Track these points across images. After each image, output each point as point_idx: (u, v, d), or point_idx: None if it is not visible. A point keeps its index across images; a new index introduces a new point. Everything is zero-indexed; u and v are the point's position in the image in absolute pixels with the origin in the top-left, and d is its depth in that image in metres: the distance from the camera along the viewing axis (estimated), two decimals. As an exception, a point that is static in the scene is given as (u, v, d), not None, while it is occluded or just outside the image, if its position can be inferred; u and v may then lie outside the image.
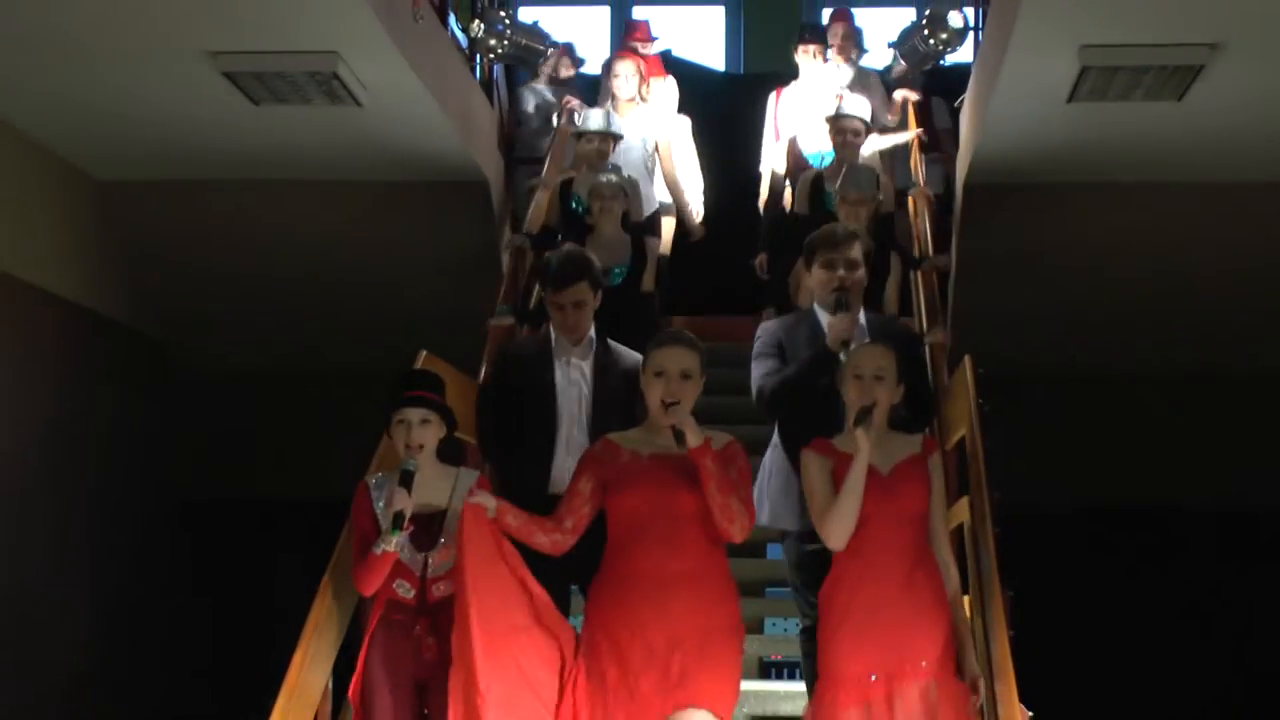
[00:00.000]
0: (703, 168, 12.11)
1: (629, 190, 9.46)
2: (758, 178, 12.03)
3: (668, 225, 11.13)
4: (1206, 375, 12.24)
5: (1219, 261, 11.24)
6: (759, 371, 7.23)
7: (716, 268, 11.86)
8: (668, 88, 12.19)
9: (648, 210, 10.44)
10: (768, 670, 9.15)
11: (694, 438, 5.89)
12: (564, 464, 6.86)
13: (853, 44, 12.40)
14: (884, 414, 6.32)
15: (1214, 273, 11.34)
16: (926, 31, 12.15)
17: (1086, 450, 12.14)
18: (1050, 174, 10.69)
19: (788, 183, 11.34)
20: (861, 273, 7.24)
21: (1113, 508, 12.37)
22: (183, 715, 11.71)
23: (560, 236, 9.88)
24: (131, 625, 11.60)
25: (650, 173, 10.96)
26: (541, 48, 12.57)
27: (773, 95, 12.29)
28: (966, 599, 7.95)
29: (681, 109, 12.07)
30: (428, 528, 6.29)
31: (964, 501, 8.12)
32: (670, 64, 13.03)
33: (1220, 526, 12.62)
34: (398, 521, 6.04)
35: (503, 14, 12.32)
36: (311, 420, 11.71)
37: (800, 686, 8.14)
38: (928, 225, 10.84)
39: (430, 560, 6.28)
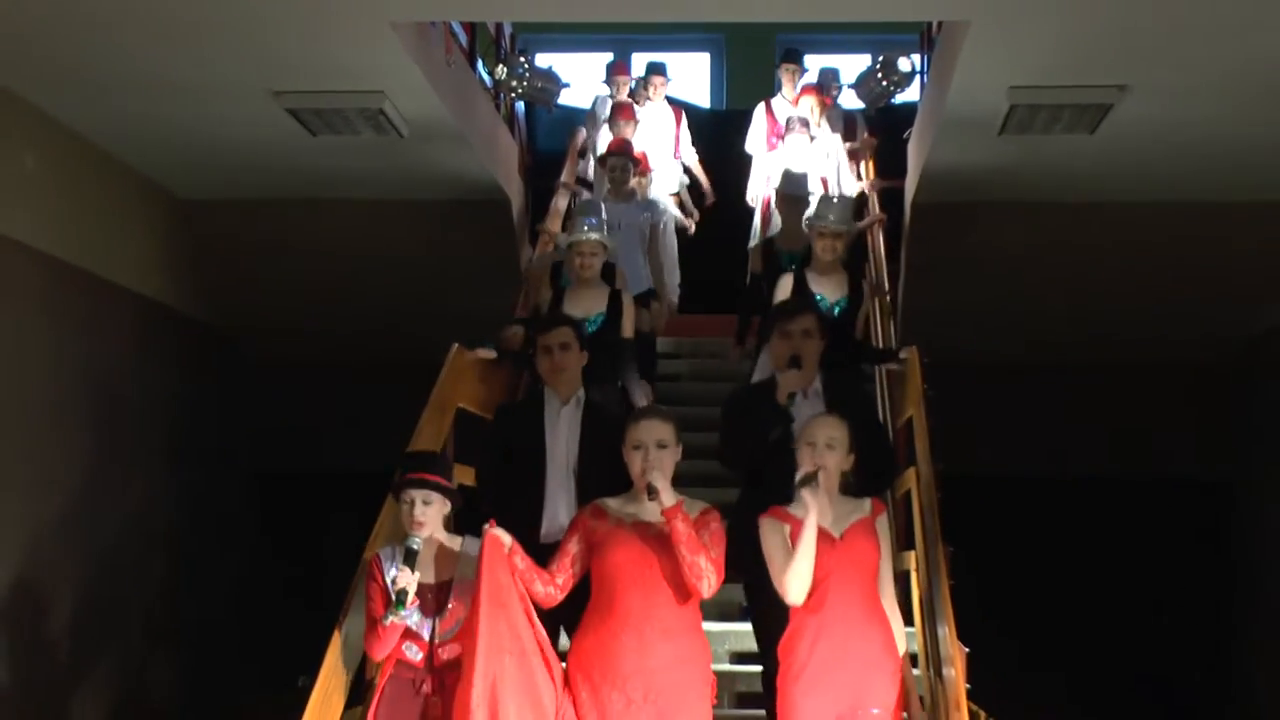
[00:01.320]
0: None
1: (607, 244, 8.68)
2: (743, 190, 12.11)
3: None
4: (1109, 365, 12.23)
5: (1123, 268, 11.24)
6: (728, 433, 6.96)
7: (710, 271, 11.77)
8: (672, 169, 12.20)
9: (641, 287, 9.77)
10: (746, 613, 9.10)
11: (667, 498, 5.71)
12: (555, 513, 6.67)
13: (827, 111, 12.33)
14: (834, 480, 6.05)
15: (1118, 277, 11.34)
16: (880, 74, 12.12)
17: (1012, 427, 12.14)
18: (984, 194, 10.67)
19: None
20: (814, 341, 6.94)
21: (1036, 476, 12.38)
22: (251, 656, 11.73)
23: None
24: (207, 579, 11.59)
25: (644, 254, 10.21)
26: (555, 88, 12.56)
27: (760, 107, 12.42)
28: (915, 577, 8.03)
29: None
30: (436, 596, 5.97)
31: (911, 471, 8.16)
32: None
33: (1107, 490, 12.62)
34: (401, 598, 5.77)
35: (521, 59, 12.30)
36: (358, 403, 11.67)
37: None
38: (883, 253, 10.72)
39: (437, 625, 5.95)
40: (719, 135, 13.30)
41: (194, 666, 11.29)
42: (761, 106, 12.45)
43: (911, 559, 7.83)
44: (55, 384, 9.46)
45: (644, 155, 11.34)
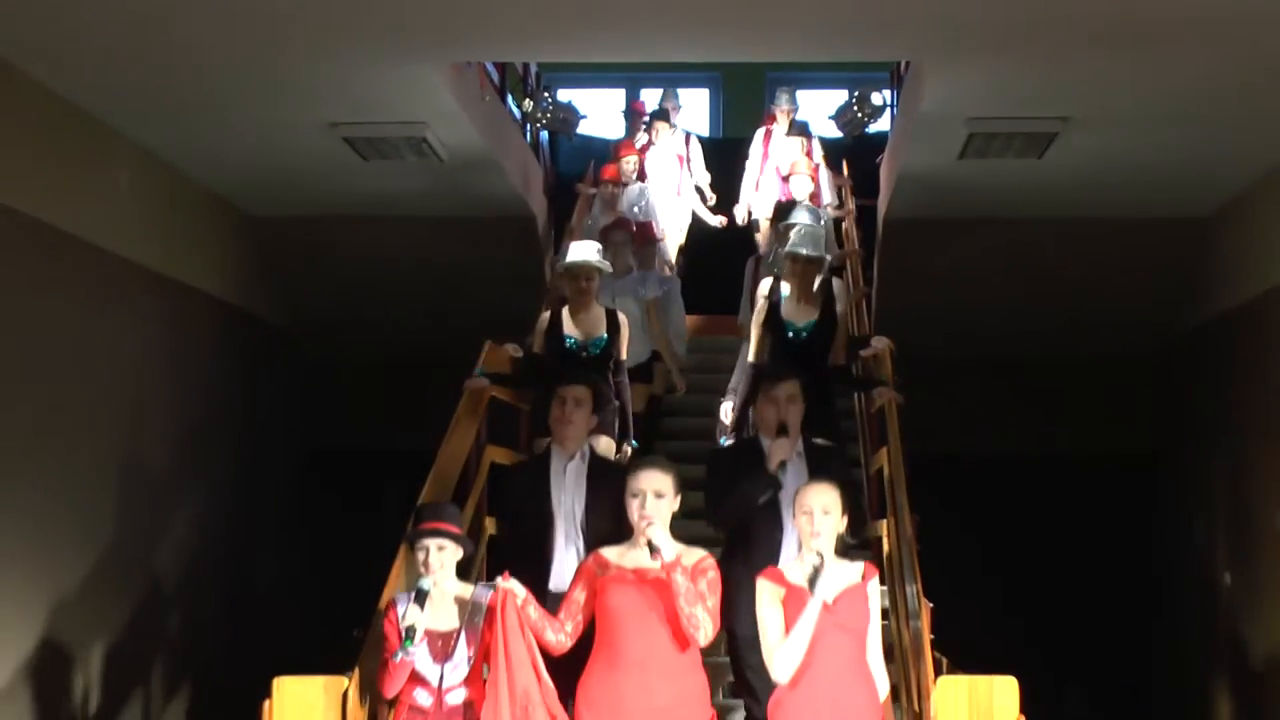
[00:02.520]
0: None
1: (603, 269, 8.10)
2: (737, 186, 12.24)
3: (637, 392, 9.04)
4: (1054, 358, 12.22)
5: (1065, 274, 11.24)
6: (712, 495, 6.42)
7: (715, 279, 11.66)
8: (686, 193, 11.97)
9: (643, 357, 9.26)
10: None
11: (667, 553, 5.36)
12: (563, 566, 6.25)
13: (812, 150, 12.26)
14: (831, 545, 5.55)
15: (1062, 282, 11.34)
16: (856, 107, 12.13)
17: (970, 412, 12.15)
18: (946, 211, 10.66)
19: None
20: (798, 405, 6.41)
21: (990, 454, 12.38)
22: (312, 615, 11.74)
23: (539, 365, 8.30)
24: (271, 544, 11.62)
25: (644, 328, 9.37)
26: (574, 119, 12.56)
27: (760, 133, 12.41)
28: (885, 541, 7.93)
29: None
30: (445, 642, 5.59)
31: (884, 450, 8.16)
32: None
33: (1052, 466, 12.59)
34: (410, 634, 5.42)
35: (545, 94, 12.31)
36: (404, 389, 11.66)
37: None
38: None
39: (446, 671, 5.57)
40: (718, 159, 13.34)
41: (262, 624, 11.29)
42: (760, 135, 12.48)
43: (883, 526, 7.83)
44: (144, 375, 9.48)
45: (649, 225, 10.87)
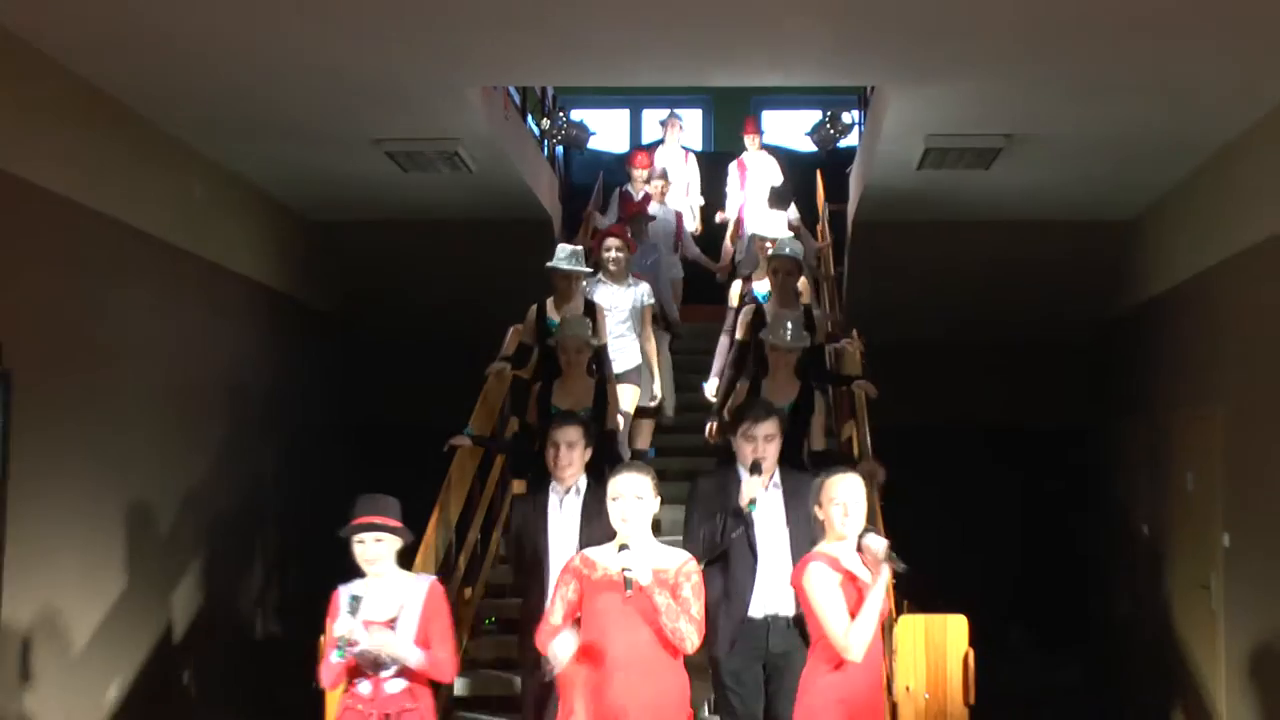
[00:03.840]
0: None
1: (594, 344, 7.47)
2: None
3: (628, 392, 8.47)
4: (1001, 342, 12.21)
5: (1010, 270, 11.21)
6: (694, 523, 6.00)
7: (700, 277, 11.64)
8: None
9: (633, 364, 8.59)
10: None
11: (643, 578, 4.87)
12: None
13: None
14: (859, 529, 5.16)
15: (1007, 276, 11.31)
16: (829, 125, 12.18)
17: (929, 389, 12.13)
18: (905, 215, 10.63)
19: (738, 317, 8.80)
20: (776, 443, 5.97)
21: (948, 426, 12.39)
22: (347, 565, 11.65)
23: (535, 350, 8.03)
24: (312, 508, 11.40)
25: (638, 332, 8.69)
26: (585, 136, 12.56)
27: (734, 165, 12.27)
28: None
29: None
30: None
31: (851, 422, 8.19)
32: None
33: (1002, 436, 12.58)
34: (343, 645, 5.03)
35: (560, 114, 12.33)
36: (433, 369, 11.50)
37: None
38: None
39: (384, 661, 5.15)
40: (709, 169, 13.36)
41: (309, 576, 11.18)
42: (734, 166, 12.31)
43: (852, 425, 7.91)
44: (208, 356, 9.45)
45: (645, 198, 10.74)
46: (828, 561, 5.00)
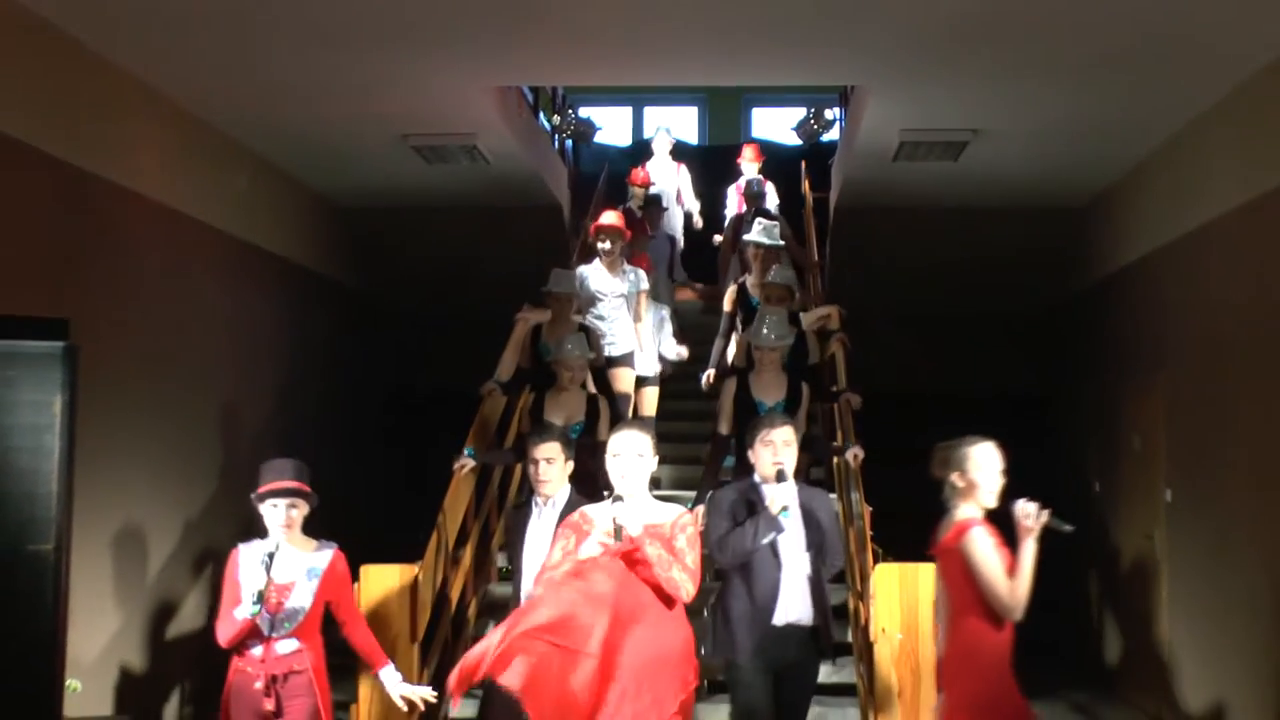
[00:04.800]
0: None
1: (589, 361, 7.14)
2: (722, 198, 11.99)
3: (627, 375, 8.32)
4: (966, 315, 12.19)
5: (974, 251, 11.22)
6: (715, 534, 5.43)
7: (698, 257, 11.68)
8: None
9: (628, 349, 8.35)
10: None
11: (633, 529, 4.58)
12: (529, 589, 5.39)
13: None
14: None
15: (972, 257, 11.32)
16: (813, 121, 12.18)
17: (902, 358, 12.12)
18: (882, 201, 10.63)
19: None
20: (793, 449, 5.51)
21: (919, 391, 12.35)
22: (385, 516, 11.72)
23: (529, 375, 7.62)
24: (354, 467, 11.54)
25: (631, 316, 8.45)
26: (591, 131, 12.57)
27: (732, 188, 11.84)
28: (837, 461, 7.98)
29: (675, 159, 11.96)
30: (280, 595, 4.97)
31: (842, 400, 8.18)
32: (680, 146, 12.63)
33: (966, 401, 12.37)
34: (259, 598, 4.84)
35: (570, 111, 12.33)
36: (456, 342, 11.46)
37: None
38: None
39: (276, 622, 4.95)
40: (704, 161, 13.37)
41: (349, 528, 11.18)
42: (733, 190, 11.90)
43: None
44: (257, 329, 9.52)
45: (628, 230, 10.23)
46: (986, 526, 4.74)
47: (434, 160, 9.50)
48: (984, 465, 4.86)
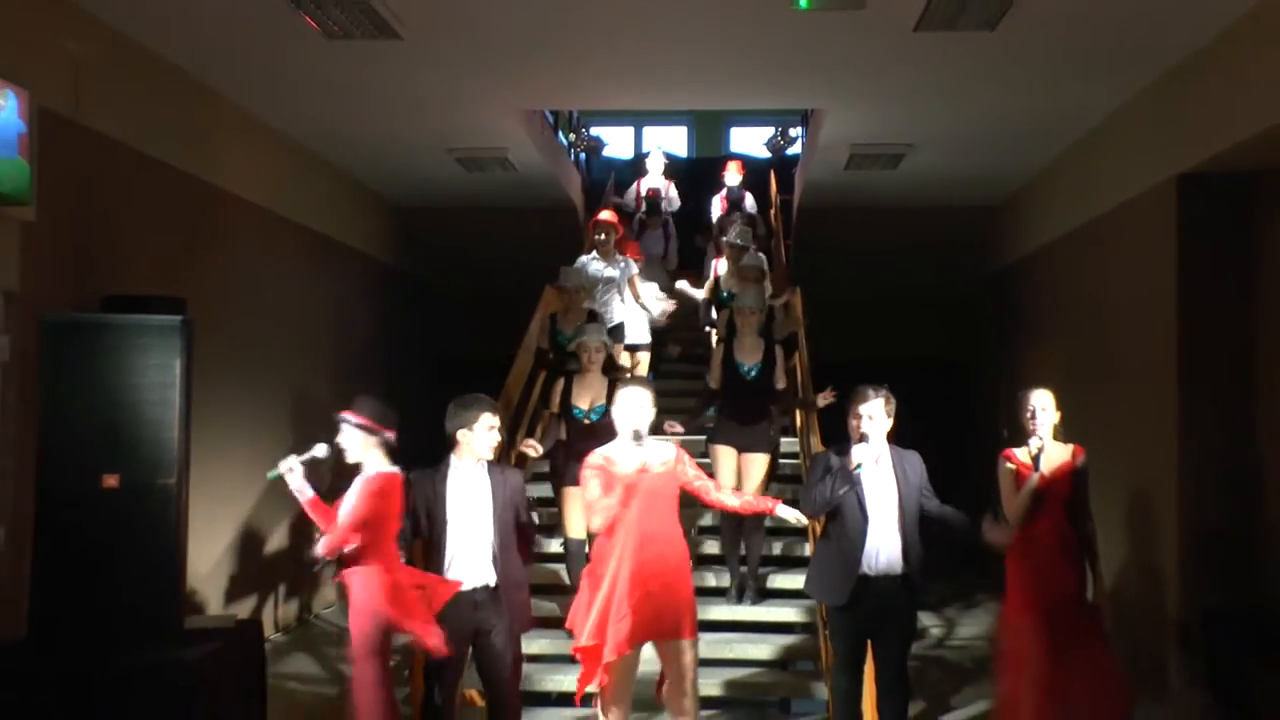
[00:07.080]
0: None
1: (608, 344, 6.87)
2: (706, 203, 11.78)
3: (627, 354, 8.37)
4: (904, 296, 12.18)
5: (910, 243, 11.20)
6: (811, 481, 5.24)
7: (684, 252, 11.62)
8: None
9: (617, 318, 8.30)
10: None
11: (650, 451, 4.67)
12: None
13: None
14: (1049, 432, 5.27)
15: (908, 248, 11.31)
16: (779, 137, 12.13)
17: (849, 330, 12.05)
18: (836, 203, 10.60)
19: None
20: (879, 421, 5.23)
21: (862, 358, 12.22)
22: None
23: (550, 353, 7.49)
24: (402, 420, 11.39)
25: (621, 298, 8.40)
26: (600, 146, 12.52)
27: (717, 198, 11.58)
28: (799, 415, 7.91)
29: (667, 178, 11.73)
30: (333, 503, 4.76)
31: (796, 356, 8.26)
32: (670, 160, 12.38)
33: (902, 367, 12.23)
34: (280, 469, 4.73)
35: (583, 129, 12.29)
36: (494, 317, 11.34)
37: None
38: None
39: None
40: (691, 171, 13.30)
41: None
42: (717, 200, 11.60)
43: (796, 361, 7.94)
44: (335, 310, 9.49)
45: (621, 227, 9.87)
46: (1009, 457, 5.30)
47: (472, 169, 9.48)
48: (1030, 405, 5.26)
